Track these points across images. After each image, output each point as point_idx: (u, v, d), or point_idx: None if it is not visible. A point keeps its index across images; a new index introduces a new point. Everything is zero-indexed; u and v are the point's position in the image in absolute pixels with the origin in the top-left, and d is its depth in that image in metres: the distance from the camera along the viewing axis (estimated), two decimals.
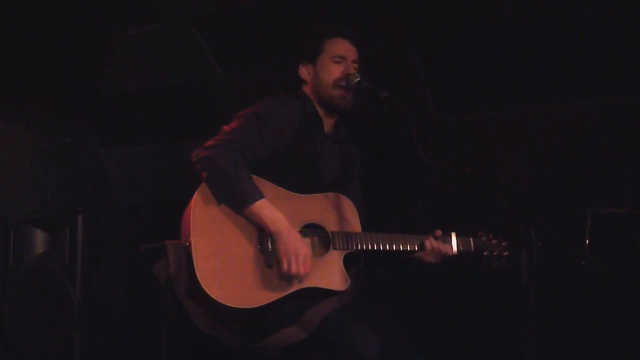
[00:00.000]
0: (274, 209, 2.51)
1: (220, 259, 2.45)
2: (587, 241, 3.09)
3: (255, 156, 2.59)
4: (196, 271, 2.40)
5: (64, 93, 4.42)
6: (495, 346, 3.48)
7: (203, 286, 2.39)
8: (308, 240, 2.62)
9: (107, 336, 4.05)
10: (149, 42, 4.10)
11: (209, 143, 2.56)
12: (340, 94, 2.76)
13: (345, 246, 2.64)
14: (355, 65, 2.81)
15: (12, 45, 4.01)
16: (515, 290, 2.55)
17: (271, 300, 2.47)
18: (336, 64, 2.78)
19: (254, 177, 2.56)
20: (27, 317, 3.87)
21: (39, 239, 3.98)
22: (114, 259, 4.34)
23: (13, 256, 3.97)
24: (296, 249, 2.47)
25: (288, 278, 2.50)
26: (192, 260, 2.41)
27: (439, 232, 2.77)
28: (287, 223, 2.51)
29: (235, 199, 2.50)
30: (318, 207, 2.67)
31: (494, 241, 2.84)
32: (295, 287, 2.52)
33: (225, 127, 2.63)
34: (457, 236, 2.80)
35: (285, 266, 2.47)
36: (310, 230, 2.63)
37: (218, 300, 2.39)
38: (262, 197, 2.50)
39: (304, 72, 2.83)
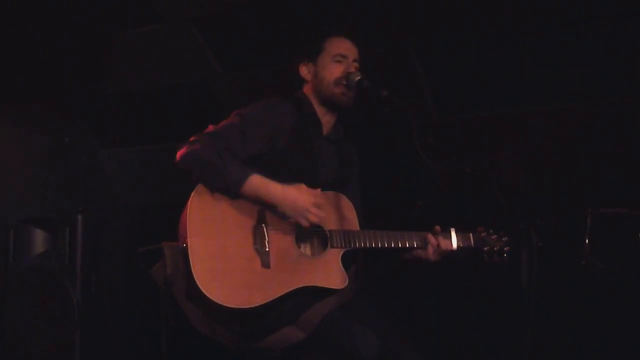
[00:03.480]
0: (264, 179, 2.52)
1: (217, 259, 2.44)
2: (587, 241, 3.08)
3: (235, 152, 2.57)
4: (193, 272, 2.40)
5: (64, 93, 4.43)
6: (495, 346, 3.48)
7: (201, 287, 2.38)
8: (317, 190, 2.63)
9: (107, 336, 4.05)
10: (149, 42, 4.10)
11: (191, 139, 2.58)
12: (342, 91, 2.75)
13: (343, 244, 2.64)
14: (356, 65, 2.80)
15: (12, 45, 4.01)
16: (515, 290, 2.54)
17: (269, 300, 2.46)
18: (337, 63, 2.77)
19: None
20: (27, 317, 3.87)
21: (39, 239, 3.98)
22: (114, 259, 4.34)
23: (13, 256, 3.97)
24: (302, 206, 2.52)
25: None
26: (189, 262, 2.41)
27: (438, 228, 2.75)
28: (280, 186, 2.53)
29: (227, 184, 2.49)
30: None
31: (494, 236, 2.81)
32: (293, 286, 2.51)
33: (210, 126, 2.64)
34: (456, 232, 2.78)
35: (307, 224, 2.53)
36: (308, 229, 2.63)
37: (216, 300, 2.39)
38: (250, 174, 2.50)
39: (305, 71, 2.82)
